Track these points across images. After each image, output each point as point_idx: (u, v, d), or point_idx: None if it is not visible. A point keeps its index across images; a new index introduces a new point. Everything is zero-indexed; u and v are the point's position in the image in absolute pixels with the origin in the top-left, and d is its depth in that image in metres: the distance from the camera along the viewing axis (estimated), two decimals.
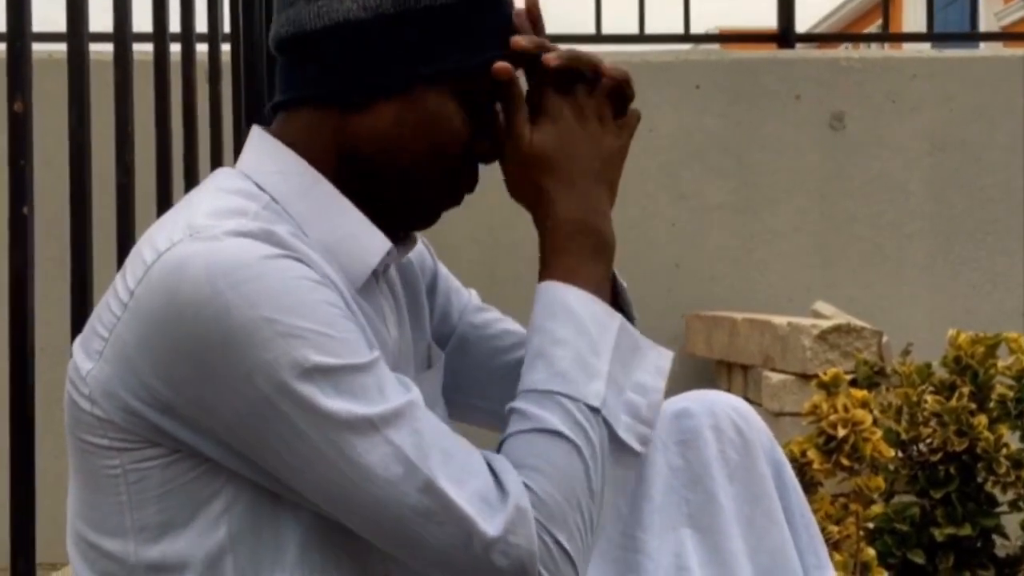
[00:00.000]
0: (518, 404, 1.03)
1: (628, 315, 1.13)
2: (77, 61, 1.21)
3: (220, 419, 0.96)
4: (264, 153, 1.09)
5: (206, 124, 1.69)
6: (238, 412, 0.95)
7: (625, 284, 1.16)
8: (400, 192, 1.09)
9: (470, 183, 1.13)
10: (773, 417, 2.33)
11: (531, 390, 1.02)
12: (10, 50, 1.13)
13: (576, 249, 1.07)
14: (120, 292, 1.00)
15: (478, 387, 1.30)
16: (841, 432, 1.83)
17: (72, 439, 1.04)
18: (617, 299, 1.14)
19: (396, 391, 0.98)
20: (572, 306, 1.05)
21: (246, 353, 0.94)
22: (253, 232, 0.98)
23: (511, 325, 1.33)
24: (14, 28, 1.12)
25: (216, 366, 0.95)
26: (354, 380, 0.96)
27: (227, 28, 1.90)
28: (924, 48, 3.47)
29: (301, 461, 0.96)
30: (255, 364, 0.94)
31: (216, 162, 1.67)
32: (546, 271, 1.08)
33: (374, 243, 1.07)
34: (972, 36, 3.62)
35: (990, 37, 3.95)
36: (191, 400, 0.97)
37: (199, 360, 0.95)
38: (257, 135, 1.11)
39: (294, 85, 1.09)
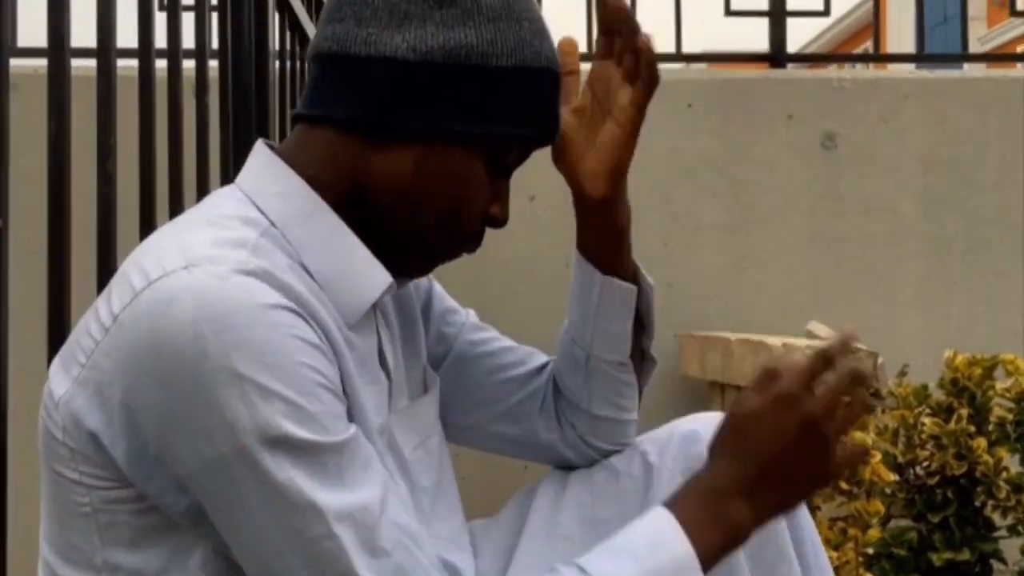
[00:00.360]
0: (561, 565, 0.99)
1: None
2: (58, 71, 1.17)
3: (177, 467, 0.91)
4: (266, 171, 1.04)
5: (192, 140, 1.65)
6: (192, 464, 0.90)
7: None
8: (402, 236, 1.05)
9: (474, 245, 1.09)
10: None
11: (583, 568, 0.98)
12: None
13: (708, 508, 1.01)
14: (103, 315, 0.95)
15: (476, 406, 1.26)
16: None
17: (45, 467, 1.00)
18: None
19: (361, 482, 0.92)
20: (668, 547, 0.99)
21: (211, 407, 0.88)
22: (253, 271, 0.92)
23: (510, 343, 1.29)
24: None
25: (181, 413, 0.89)
26: (317, 460, 0.90)
27: (215, 44, 1.86)
28: (914, 68, 3.45)
29: (241, 529, 0.90)
30: (218, 421, 0.88)
31: (202, 178, 1.63)
32: (675, 499, 1.03)
33: (375, 277, 1.03)
34: (964, 57, 3.60)
35: (981, 59, 3.94)
36: (153, 440, 0.92)
37: (167, 402, 0.90)
38: (260, 152, 1.06)
39: (323, 102, 1.04)
